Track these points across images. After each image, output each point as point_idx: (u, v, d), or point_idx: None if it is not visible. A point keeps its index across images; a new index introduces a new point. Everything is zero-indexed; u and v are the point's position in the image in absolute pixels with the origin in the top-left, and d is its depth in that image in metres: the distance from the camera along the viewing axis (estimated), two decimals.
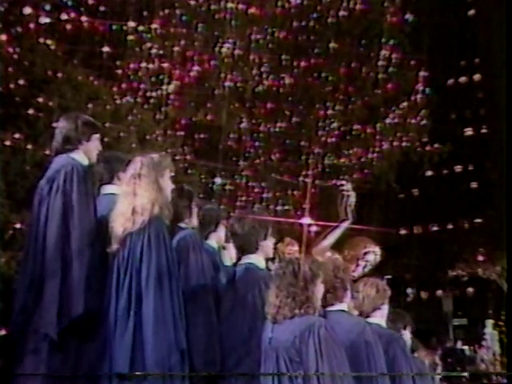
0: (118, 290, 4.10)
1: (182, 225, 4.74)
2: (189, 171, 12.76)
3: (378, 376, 4.22)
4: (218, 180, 13.20)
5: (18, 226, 9.08)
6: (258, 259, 4.56)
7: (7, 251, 8.73)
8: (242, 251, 4.65)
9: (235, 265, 4.79)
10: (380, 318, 4.77)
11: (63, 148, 4.45)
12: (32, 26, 10.19)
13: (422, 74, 13.88)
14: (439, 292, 17.59)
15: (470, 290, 17.64)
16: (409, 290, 16.36)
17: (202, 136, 13.38)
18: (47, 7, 10.78)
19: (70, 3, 11.29)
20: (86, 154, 4.49)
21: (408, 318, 5.43)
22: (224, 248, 5.15)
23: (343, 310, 4.37)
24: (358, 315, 4.63)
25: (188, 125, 12.97)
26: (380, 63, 13.41)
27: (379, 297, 4.78)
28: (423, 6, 14.08)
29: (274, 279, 4.03)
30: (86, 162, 4.47)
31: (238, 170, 13.78)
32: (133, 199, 4.19)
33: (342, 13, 13.01)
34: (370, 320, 4.66)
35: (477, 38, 15.64)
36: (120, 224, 4.17)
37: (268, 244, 4.67)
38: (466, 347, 16.94)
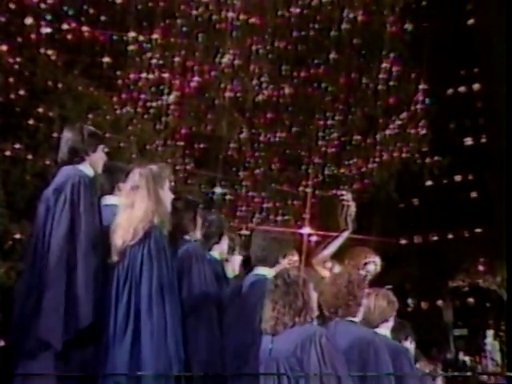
0: (117, 301, 4.09)
1: (187, 237, 4.73)
2: (189, 181, 12.76)
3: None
4: (218, 190, 13.20)
5: (17, 236, 9.07)
6: (269, 272, 4.55)
7: (7, 261, 8.73)
8: (258, 263, 4.62)
9: (239, 277, 4.78)
10: (386, 329, 4.77)
11: (69, 159, 4.46)
12: (33, 36, 10.21)
13: (421, 85, 13.92)
14: (439, 302, 17.56)
15: (471, 300, 17.62)
16: (409, 301, 16.32)
17: (202, 146, 13.39)
18: (48, 17, 10.81)
19: (70, 13, 11.32)
20: (92, 165, 4.50)
21: (409, 329, 5.42)
22: (227, 260, 5.14)
23: (351, 320, 4.36)
24: (366, 325, 4.62)
25: (188, 135, 12.98)
26: (380, 76, 13.45)
27: (389, 309, 4.78)
28: (422, 15, 14.12)
29: (267, 295, 4.03)
30: (91, 173, 4.47)
31: (238, 179, 13.78)
32: (131, 211, 4.18)
33: (343, 25, 13.05)
34: (377, 331, 4.65)
35: (476, 47, 15.67)
36: (119, 236, 4.16)
37: (285, 262, 4.66)
38: (467, 358, 16.91)
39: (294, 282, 3.97)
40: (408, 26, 13.63)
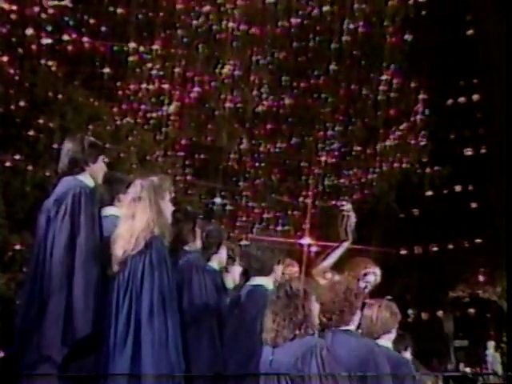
0: (118, 311, 4.09)
1: (186, 248, 4.74)
2: (189, 191, 12.77)
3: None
4: (218, 200, 13.20)
5: (17, 247, 9.07)
6: (266, 281, 4.56)
7: (6, 272, 8.72)
8: (254, 273, 4.64)
9: (240, 287, 4.79)
10: (388, 340, 4.76)
11: (70, 170, 4.47)
12: (33, 47, 10.24)
13: (421, 96, 13.95)
14: (440, 313, 17.52)
15: (471, 310, 17.58)
16: (409, 311, 16.28)
17: (202, 156, 13.40)
18: (49, 28, 10.85)
19: (71, 23, 11.35)
20: (93, 175, 4.51)
21: (409, 339, 5.41)
22: (227, 270, 5.15)
23: (350, 331, 4.34)
24: (368, 337, 4.61)
25: (188, 145, 12.99)
26: (380, 87, 13.47)
27: (392, 320, 4.77)
28: (422, 26, 14.15)
29: (268, 306, 4.02)
30: (92, 183, 4.49)
31: (238, 190, 13.78)
32: (132, 222, 4.21)
33: (343, 36, 13.08)
34: (379, 342, 4.64)
35: (475, 58, 15.70)
36: (120, 246, 4.18)
37: (280, 268, 4.69)
38: (468, 369, 16.85)
39: (296, 295, 3.96)
40: (408, 37, 13.67)
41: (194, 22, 12.41)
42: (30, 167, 9.82)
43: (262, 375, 3.95)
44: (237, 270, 5.21)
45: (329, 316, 4.31)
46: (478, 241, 14.97)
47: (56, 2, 10.83)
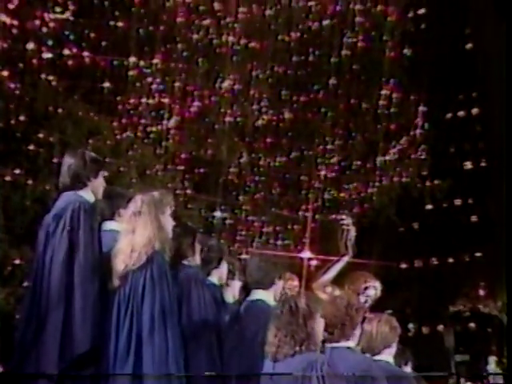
0: (118, 327, 4.09)
1: (185, 262, 4.74)
2: (189, 205, 12.76)
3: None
4: (218, 214, 13.20)
5: (17, 261, 9.06)
6: (267, 296, 4.55)
7: (6, 287, 8.71)
8: (255, 287, 4.63)
9: (240, 302, 4.78)
10: (389, 355, 4.74)
11: (71, 185, 4.47)
12: (34, 61, 10.28)
13: (420, 109, 13.97)
14: (440, 327, 17.46)
15: (472, 325, 17.52)
16: (410, 325, 16.22)
17: (202, 170, 13.41)
18: (50, 42, 10.90)
19: (72, 38, 11.40)
20: (93, 190, 4.51)
21: (409, 354, 5.40)
22: (227, 285, 5.14)
23: (349, 347, 4.33)
24: (369, 352, 4.59)
25: (188, 159, 13.00)
26: (380, 101, 13.50)
27: (392, 335, 4.75)
28: (421, 40, 14.20)
29: (272, 319, 4.01)
30: (92, 198, 4.49)
31: (238, 204, 13.78)
32: (133, 237, 4.21)
33: (343, 51, 13.13)
34: (379, 357, 4.63)
35: (474, 71, 15.73)
36: (121, 261, 4.18)
37: (281, 283, 4.68)
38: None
39: (300, 312, 3.95)
40: (407, 51, 13.71)
41: (194, 36, 12.47)
42: (29, 181, 9.83)
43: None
44: (237, 284, 5.20)
45: (331, 330, 4.30)
46: (478, 254, 14.93)
47: (57, 15, 10.89)
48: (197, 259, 4.84)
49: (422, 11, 13.54)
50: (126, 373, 3.97)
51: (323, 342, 4.25)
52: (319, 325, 4.01)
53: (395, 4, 13.58)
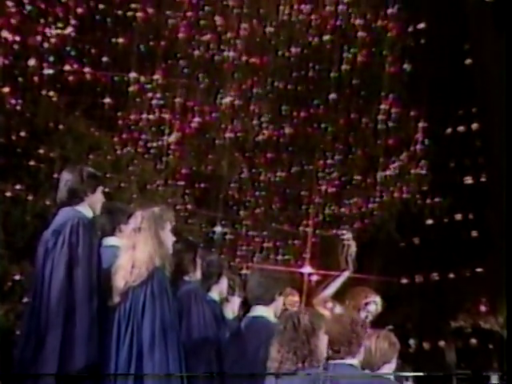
0: (119, 343, 4.08)
1: (186, 278, 4.73)
2: (189, 220, 12.76)
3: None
4: (219, 229, 13.18)
5: (17, 277, 9.04)
6: (267, 312, 4.54)
7: (6, 303, 8.68)
8: (255, 303, 4.61)
9: (240, 318, 4.76)
10: (388, 371, 4.71)
11: (68, 200, 4.48)
12: (35, 77, 10.32)
13: (421, 125, 14.00)
14: (442, 343, 17.38)
15: (473, 341, 17.44)
16: (411, 341, 16.16)
17: (202, 185, 13.41)
18: (51, 58, 10.95)
19: (73, 54, 11.45)
20: (91, 206, 4.53)
21: (409, 370, 5.38)
22: (227, 300, 5.13)
23: (351, 364, 4.31)
24: (368, 368, 4.57)
25: (189, 174, 13.01)
26: (380, 116, 13.53)
27: (391, 351, 4.73)
28: (420, 55, 14.25)
29: (275, 335, 4.00)
30: (90, 214, 4.50)
31: (239, 219, 13.77)
32: (133, 253, 4.22)
33: (343, 66, 13.18)
34: (379, 373, 4.60)
35: (474, 87, 15.78)
36: (121, 277, 4.18)
37: (281, 299, 4.67)
38: None
39: (303, 329, 3.93)
40: (407, 67, 13.76)
41: (195, 52, 12.52)
42: (30, 197, 9.83)
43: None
44: (236, 300, 5.19)
45: (337, 348, 4.28)
46: (479, 270, 14.90)
47: (59, 31, 10.95)
48: (197, 275, 4.84)
49: (421, 26, 13.61)
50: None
51: (327, 358, 4.24)
52: (322, 341, 4.00)
53: (395, 19, 13.64)
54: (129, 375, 3.94)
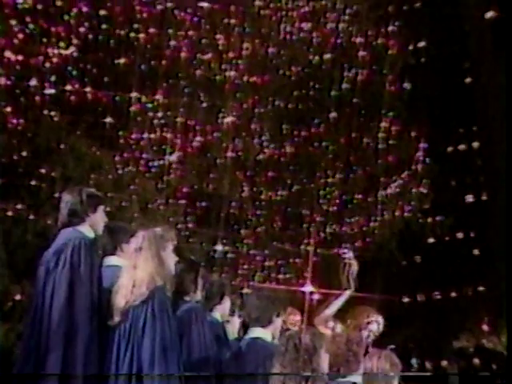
0: (118, 363, 4.06)
1: (187, 298, 4.72)
2: (190, 239, 12.75)
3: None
4: (220, 248, 13.17)
5: (17, 297, 9.02)
6: (265, 334, 4.52)
7: (6, 323, 8.65)
8: (253, 324, 4.60)
9: (239, 339, 4.75)
10: None
11: (70, 221, 4.49)
12: (37, 97, 10.37)
13: (421, 145, 14.03)
14: (444, 363, 17.29)
15: (476, 361, 17.34)
16: (413, 361, 16.07)
17: (203, 204, 13.42)
18: (52, 78, 11.00)
19: (74, 74, 11.50)
20: (92, 226, 4.53)
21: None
22: (228, 321, 5.11)
23: (354, 383, 4.29)
24: None
25: (190, 193, 13.03)
26: (380, 135, 13.56)
27: (392, 371, 4.71)
28: (420, 74, 14.30)
29: (276, 356, 3.98)
30: (92, 234, 4.50)
31: (240, 237, 13.77)
32: (134, 272, 4.22)
33: (343, 84, 13.22)
34: None
35: (474, 105, 15.81)
36: (122, 297, 4.18)
37: (279, 321, 4.65)
38: None
39: (304, 349, 3.92)
40: (407, 85, 13.80)
41: (197, 71, 12.58)
42: (31, 216, 9.84)
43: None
44: (236, 321, 5.18)
45: (336, 368, 4.27)
46: (481, 289, 14.84)
47: (61, 51, 11.01)
48: (198, 295, 4.83)
49: (422, 44, 13.66)
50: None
51: (329, 378, 4.23)
52: (324, 360, 3.99)
53: (396, 36, 13.71)
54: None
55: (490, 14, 11.59)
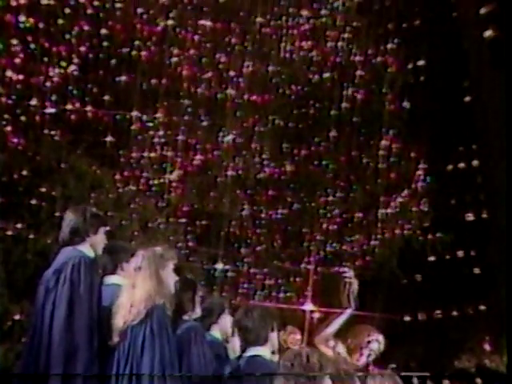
0: (118, 382, 4.04)
1: (186, 317, 4.71)
2: (190, 258, 12.74)
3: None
4: (220, 266, 13.16)
5: (17, 317, 8.99)
6: (264, 351, 4.50)
7: (5, 343, 8.62)
8: (250, 343, 4.59)
9: (239, 357, 4.73)
10: None
11: (71, 240, 4.49)
12: (37, 116, 10.40)
13: (421, 164, 14.05)
14: (446, 383, 17.19)
15: (478, 381, 17.24)
16: (414, 381, 15.99)
17: (203, 223, 13.42)
18: (53, 97, 11.04)
19: (75, 92, 11.55)
20: (93, 246, 4.54)
21: None
22: (227, 341, 5.10)
23: None
24: None
25: (190, 212, 13.03)
26: (380, 153, 13.59)
27: None
28: (420, 92, 14.35)
29: (281, 370, 3.96)
30: (92, 254, 4.50)
31: (240, 256, 13.75)
32: (132, 292, 4.22)
33: (343, 103, 13.27)
34: None
35: (474, 124, 15.86)
36: (121, 316, 4.17)
37: (275, 335, 4.63)
38: None
39: (311, 368, 3.90)
40: (406, 104, 13.85)
41: (198, 90, 12.62)
42: (31, 235, 9.84)
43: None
44: (236, 340, 5.16)
45: None
46: (483, 307, 14.80)
47: (62, 70, 11.06)
48: (197, 313, 4.82)
49: (421, 63, 13.72)
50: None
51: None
52: (327, 382, 3.97)
53: (395, 55, 13.78)
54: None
55: (488, 33, 11.66)
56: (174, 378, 4.10)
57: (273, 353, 4.69)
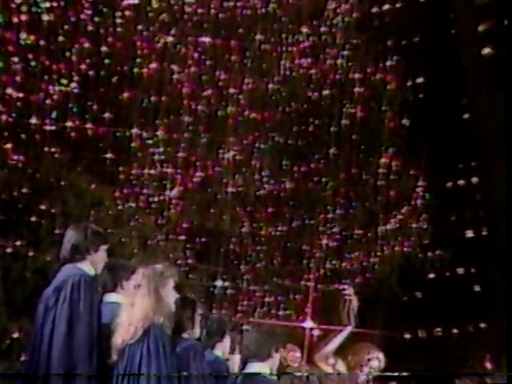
0: None
1: (185, 335, 4.70)
2: (190, 275, 12.72)
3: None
4: (220, 284, 13.14)
5: (16, 335, 8.95)
6: (264, 369, 4.48)
7: (4, 361, 8.59)
8: (251, 359, 4.57)
9: (237, 375, 4.71)
10: None
11: (71, 257, 4.49)
12: (37, 134, 10.43)
13: (421, 181, 14.07)
14: None
15: None
16: None
17: (203, 240, 13.41)
18: (53, 115, 11.07)
19: (75, 110, 11.58)
20: (93, 264, 4.53)
21: None
22: (228, 360, 5.08)
23: None
24: None
25: (190, 229, 13.03)
26: (380, 170, 13.61)
27: None
28: (419, 110, 14.39)
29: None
30: (92, 272, 4.49)
31: (240, 273, 13.73)
32: (131, 310, 4.20)
33: (342, 121, 13.31)
34: None
35: (473, 141, 15.89)
36: (119, 335, 4.16)
37: (278, 356, 4.61)
38: None
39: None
40: (405, 122, 13.88)
41: (198, 107, 12.66)
42: (31, 253, 9.83)
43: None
44: (236, 358, 5.15)
45: None
46: (483, 325, 14.75)
47: (62, 88, 11.10)
48: (196, 332, 4.81)
49: (420, 80, 13.77)
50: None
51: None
52: None
53: (394, 72, 13.83)
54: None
55: (486, 51, 11.71)
56: None
57: (270, 373, 4.67)
